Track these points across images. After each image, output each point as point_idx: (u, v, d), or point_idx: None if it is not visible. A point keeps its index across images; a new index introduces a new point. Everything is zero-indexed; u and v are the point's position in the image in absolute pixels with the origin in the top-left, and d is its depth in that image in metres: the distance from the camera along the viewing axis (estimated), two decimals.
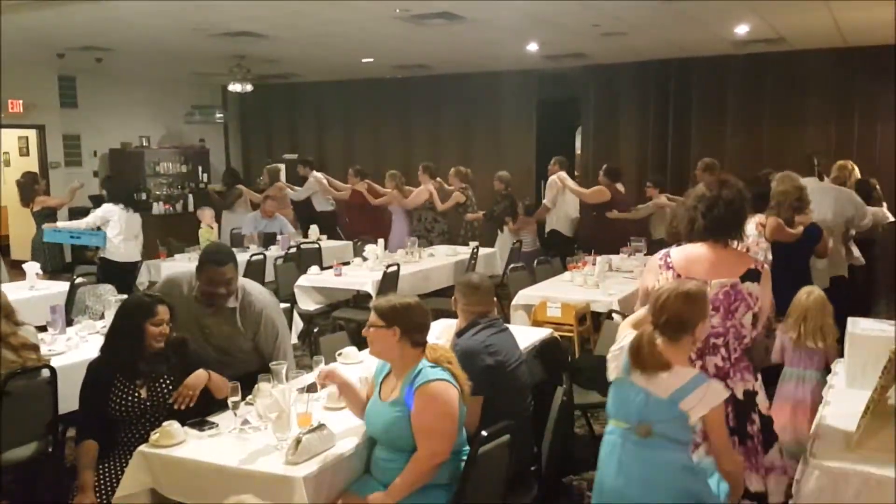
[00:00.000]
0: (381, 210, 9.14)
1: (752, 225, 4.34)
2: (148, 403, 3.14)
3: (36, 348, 3.56)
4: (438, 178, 8.84)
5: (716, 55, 9.66)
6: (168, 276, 3.98)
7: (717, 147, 9.80)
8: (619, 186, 8.32)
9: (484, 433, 2.64)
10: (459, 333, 3.25)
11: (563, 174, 8.52)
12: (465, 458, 2.72)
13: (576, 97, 11.17)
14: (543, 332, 4.40)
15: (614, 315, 4.90)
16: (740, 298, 2.82)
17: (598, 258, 6.41)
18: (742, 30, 7.90)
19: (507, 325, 3.35)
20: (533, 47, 8.86)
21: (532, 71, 10.80)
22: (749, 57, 9.51)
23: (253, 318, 3.62)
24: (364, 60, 10.03)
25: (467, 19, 7.13)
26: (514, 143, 11.21)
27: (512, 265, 6.96)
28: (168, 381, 3.21)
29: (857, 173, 6.76)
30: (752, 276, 2.86)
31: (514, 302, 5.67)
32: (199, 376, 3.19)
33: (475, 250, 7.74)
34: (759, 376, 2.96)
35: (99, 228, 7.14)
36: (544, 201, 8.66)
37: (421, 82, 11.71)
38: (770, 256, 4.38)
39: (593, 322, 5.49)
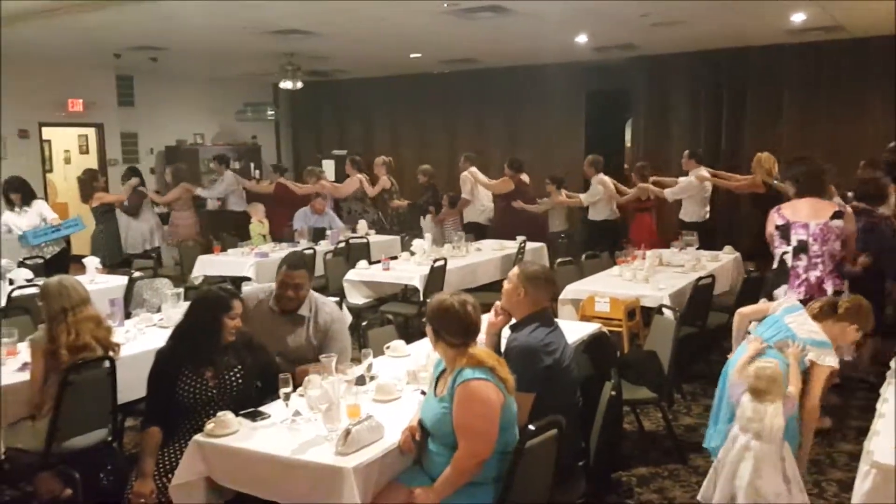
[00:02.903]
0: (304, 204, 9.39)
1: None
2: (215, 391, 3.24)
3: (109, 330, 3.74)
4: (364, 173, 9.45)
5: (771, 44, 9.43)
6: (246, 291, 4.16)
7: (772, 138, 9.57)
8: (524, 177, 8.88)
9: (531, 427, 2.64)
10: (514, 328, 3.22)
11: (474, 169, 9.10)
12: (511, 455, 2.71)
13: (626, 89, 11.01)
14: (591, 327, 4.37)
15: (665, 310, 4.82)
16: (830, 231, 4.42)
17: (648, 252, 6.32)
18: (798, 17, 7.69)
19: (557, 321, 3.32)
20: (582, 39, 8.77)
21: (580, 63, 10.68)
22: (805, 46, 9.26)
23: (322, 328, 3.81)
24: (411, 56, 10.06)
25: (515, 12, 7.10)
26: (562, 135, 11.12)
27: (559, 259, 6.92)
28: (236, 373, 3.30)
29: (766, 163, 7.25)
30: (838, 215, 4.46)
31: (561, 296, 5.63)
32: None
33: (522, 244, 7.72)
34: (847, 282, 4.53)
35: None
36: (463, 195, 9.17)
37: (467, 76, 11.70)
38: None
39: (643, 317, 5.43)
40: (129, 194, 8.87)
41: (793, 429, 3.34)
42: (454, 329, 2.76)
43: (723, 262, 6.60)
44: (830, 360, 3.34)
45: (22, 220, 6.90)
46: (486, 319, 3.95)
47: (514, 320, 3.25)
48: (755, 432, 3.04)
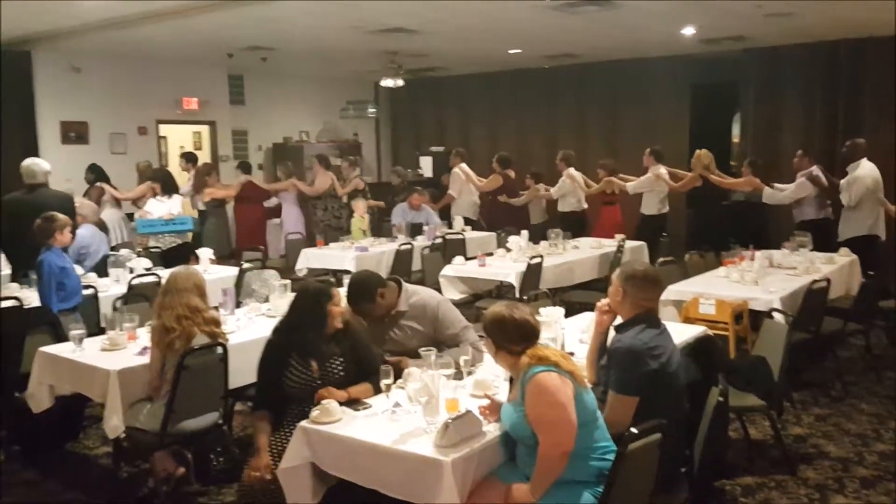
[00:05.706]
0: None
1: None
2: (319, 382, 3.33)
3: (218, 323, 3.89)
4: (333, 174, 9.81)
5: (892, 35, 8.84)
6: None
7: (892, 134, 8.98)
8: (510, 172, 9.53)
9: (634, 430, 2.58)
10: (619, 328, 3.17)
11: (464, 165, 9.63)
12: (609, 456, 2.68)
13: (734, 82, 10.58)
14: (697, 330, 4.23)
15: (775, 314, 4.61)
16: None
17: (758, 253, 6.06)
18: None
19: (665, 324, 3.23)
20: (689, 31, 8.50)
21: (685, 55, 10.35)
22: None
23: (430, 315, 3.69)
24: (511, 51, 10.03)
25: (620, 4, 6.95)
26: (665, 130, 10.78)
27: (661, 259, 6.74)
28: (339, 362, 3.39)
29: (705, 159, 8.33)
30: None
31: (663, 297, 5.46)
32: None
33: (621, 243, 7.56)
34: None
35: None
36: (449, 191, 9.74)
37: (567, 71, 11.55)
38: None
39: (751, 321, 5.21)
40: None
41: None
42: (513, 337, 2.80)
43: (839, 264, 6.25)
44: None
45: (157, 209, 7.48)
46: (587, 317, 3.91)
47: (619, 320, 3.20)
48: None
